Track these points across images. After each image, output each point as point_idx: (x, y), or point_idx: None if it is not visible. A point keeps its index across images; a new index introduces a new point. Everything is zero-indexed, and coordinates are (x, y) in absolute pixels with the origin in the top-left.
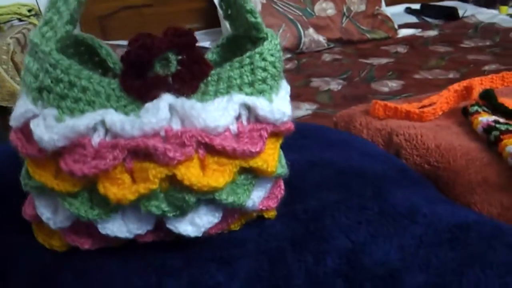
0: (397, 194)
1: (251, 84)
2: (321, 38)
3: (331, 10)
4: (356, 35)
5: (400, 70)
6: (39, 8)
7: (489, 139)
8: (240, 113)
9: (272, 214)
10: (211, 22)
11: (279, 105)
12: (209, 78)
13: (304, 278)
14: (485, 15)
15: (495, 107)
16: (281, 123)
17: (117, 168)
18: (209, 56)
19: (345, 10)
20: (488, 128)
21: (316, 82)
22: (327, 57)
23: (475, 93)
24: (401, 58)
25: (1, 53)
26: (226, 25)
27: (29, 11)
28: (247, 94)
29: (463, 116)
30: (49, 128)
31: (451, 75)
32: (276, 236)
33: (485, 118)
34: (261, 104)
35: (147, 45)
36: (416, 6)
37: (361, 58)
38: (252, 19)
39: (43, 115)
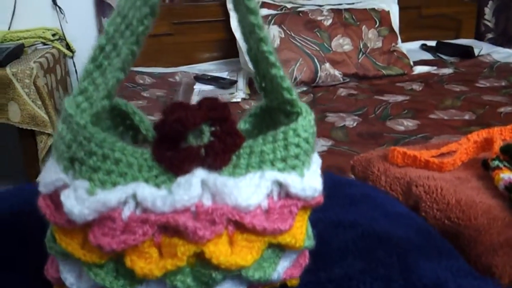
0: (424, 266)
1: (283, 159)
2: (337, 73)
3: (347, 46)
4: (372, 71)
5: (416, 109)
6: (63, 32)
7: (511, 198)
8: (272, 189)
9: (295, 282)
10: (229, 52)
11: (310, 181)
12: (241, 151)
13: None
14: (500, 54)
15: None
16: (311, 198)
17: (145, 243)
18: (241, 125)
19: (361, 46)
20: (510, 187)
21: (331, 117)
22: (342, 92)
23: (496, 146)
24: (416, 96)
25: (24, 76)
26: (244, 56)
27: (53, 35)
28: (279, 169)
29: (484, 169)
30: (80, 201)
31: (466, 116)
32: None
33: (507, 175)
34: (293, 181)
35: (182, 119)
36: (432, 43)
37: (377, 95)
38: (288, 96)
39: (74, 187)
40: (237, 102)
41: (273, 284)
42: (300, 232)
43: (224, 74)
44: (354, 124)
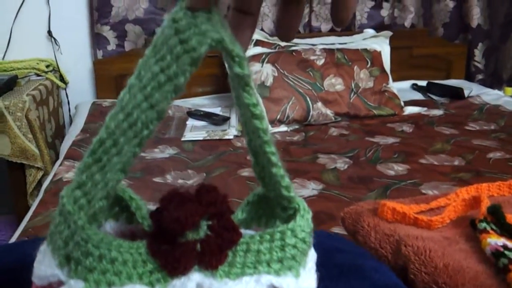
0: None
1: (280, 260)
2: (328, 112)
3: (339, 86)
4: (363, 111)
5: (406, 152)
6: (57, 63)
7: (498, 265)
8: None
9: None
10: (223, 87)
11: (305, 283)
12: (238, 247)
13: None
14: (490, 96)
15: (503, 226)
16: None
17: None
18: (239, 214)
19: (353, 86)
20: (497, 253)
21: (322, 158)
22: (334, 131)
23: (483, 207)
24: (407, 138)
25: (16, 110)
26: None
27: (47, 66)
28: (275, 271)
29: (472, 228)
30: None
31: (456, 162)
32: None
33: (493, 240)
34: (287, 285)
35: (180, 220)
36: (423, 83)
37: (368, 136)
38: (286, 194)
39: (69, 286)
40: (229, 139)
41: None
42: None
43: (217, 110)
44: (345, 167)
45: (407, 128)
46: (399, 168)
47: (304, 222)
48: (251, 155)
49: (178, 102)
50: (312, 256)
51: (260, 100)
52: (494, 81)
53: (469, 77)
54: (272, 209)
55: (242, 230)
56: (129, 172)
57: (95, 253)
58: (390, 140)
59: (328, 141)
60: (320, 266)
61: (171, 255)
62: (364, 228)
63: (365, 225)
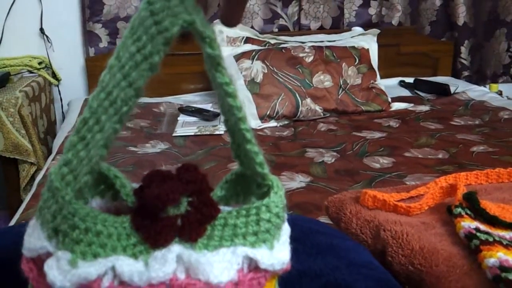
0: None
1: (255, 233)
2: (317, 108)
3: (328, 82)
4: (351, 107)
5: (392, 146)
6: (49, 61)
7: (470, 247)
8: (242, 264)
9: None
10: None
11: (279, 254)
12: (216, 222)
13: None
14: (475, 92)
15: (477, 212)
16: (279, 270)
17: None
18: (218, 191)
19: (341, 82)
20: (469, 235)
21: (311, 152)
22: (322, 127)
23: (459, 193)
24: (393, 133)
25: (9, 105)
26: None
27: (40, 63)
28: (250, 243)
29: (448, 214)
30: (62, 272)
31: (440, 155)
32: None
33: (467, 224)
34: (262, 257)
35: (162, 196)
36: (410, 80)
37: (355, 131)
38: (260, 170)
39: (57, 257)
40: (220, 135)
41: None
42: None
43: (208, 106)
44: (332, 160)
45: (394, 123)
46: (384, 161)
47: (277, 198)
48: (228, 135)
49: (169, 98)
50: (285, 230)
51: (236, 82)
52: (479, 78)
53: (455, 74)
54: (249, 186)
55: (221, 207)
56: (111, 149)
57: (81, 226)
58: (377, 134)
59: (316, 136)
60: (298, 244)
61: (153, 229)
62: (346, 215)
63: (347, 212)
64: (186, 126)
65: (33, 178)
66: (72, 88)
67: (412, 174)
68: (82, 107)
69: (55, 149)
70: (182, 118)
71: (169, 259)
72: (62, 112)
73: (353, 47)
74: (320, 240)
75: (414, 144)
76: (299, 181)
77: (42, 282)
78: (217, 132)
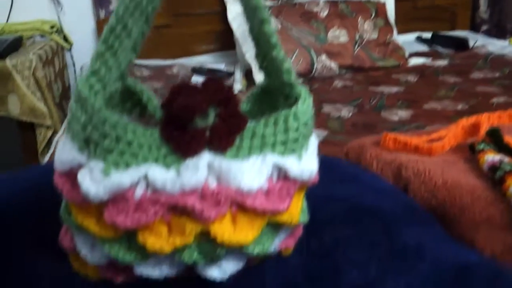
0: (406, 233)
1: (283, 143)
2: (333, 65)
3: (343, 38)
4: (367, 63)
5: (410, 100)
6: (61, 25)
7: (494, 178)
8: (272, 172)
9: (289, 251)
10: (226, 44)
11: (307, 164)
12: (244, 133)
13: None
14: (495, 46)
15: (501, 147)
16: (308, 180)
17: (156, 221)
18: (244, 105)
19: (357, 37)
20: (493, 167)
21: (327, 108)
22: (338, 83)
23: (482, 131)
24: (411, 87)
25: (23, 68)
26: (240, 48)
27: (51, 28)
28: (279, 152)
29: (470, 152)
30: (95, 182)
31: (459, 107)
32: (293, 270)
33: (491, 157)
34: (291, 165)
35: (190, 106)
36: (427, 35)
37: (372, 86)
38: (288, 79)
39: (89, 167)
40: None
41: (269, 255)
42: (296, 210)
43: (221, 66)
44: (350, 115)
45: (412, 78)
46: (403, 114)
47: (305, 107)
48: (253, 45)
49: (182, 60)
50: (313, 141)
51: None
52: (498, 32)
53: (474, 28)
54: (275, 100)
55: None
56: (139, 53)
57: (112, 134)
58: (395, 89)
59: (332, 92)
60: (321, 173)
61: (183, 139)
62: (366, 159)
63: (368, 156)
64: None
65: (50, 142)
66: (85, 52)
67: (431, 125)
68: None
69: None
70: (195, 78)
71: (201, 167)
72: (76, 77)
73: (369, 1)
74: (343, 171)
75: (433, 96)
76: (316, 135)
77: (75, 195)
78: None
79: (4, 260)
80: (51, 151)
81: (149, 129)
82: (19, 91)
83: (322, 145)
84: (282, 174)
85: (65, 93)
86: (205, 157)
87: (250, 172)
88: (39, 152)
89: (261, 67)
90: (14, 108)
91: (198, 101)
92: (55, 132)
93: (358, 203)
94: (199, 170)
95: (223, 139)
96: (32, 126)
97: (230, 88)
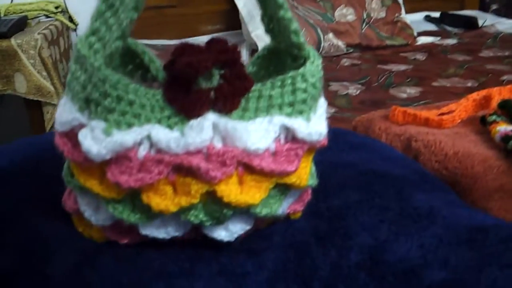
0: (418, 197)
1: (291, 104)
2: (340, 43)
3: (351, 16)
4: (375, 41)
5: (419, 77)
6: (65, 5)
7: (507, 148)
8: (279, 133)
9: (298, 215)
10: (232, 24)
11: (316, 126)
12: (250, 94)
13: (329, 270)
14: (505, 25)
15: None
16: (317, 142)
17: (160, 181)
18: (249, 68)
19: (365, 16)
20: (506, 137)
21: (334, 86)
22: (346, 62)
23: (494, 103)
24: (419, 65)
25: (28, 48)
26: (246, 27)
27: (56, 8)
28: (287, 114)
29: (481, 125)
30: (97, 141)
31: (469, 84)
32: (302, 231)
33: (503, 127)
34: (299, 126)
35: (193, 64)
36: (436, 14)
37: (380, 64)
38: (296, 39)
39: (90, 127)
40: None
41: (278, 218)
42: (305, 173)
43: None
44: (357, 92)
45: (420, 56)
46: (411, 91)
47: (314, 67)
48: (260, 7)
49: (188, 40)
50: (322, 103)
51: None
52: (508, 11)
53: (483, 7)
54: (282, 62)
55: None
56: (141, 11)
57: (113, 94)
58: (403, 67)
59: (340, 70)
60: (329, 141)
61: (187, 100)
62: (375, 132)
63: (376, 129)
64: None
65: None
66: None
67: (440, 101)
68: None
69: None
70: None
71: (205, 127)
72: None
73: None
74: (352, 139)
75: (441, 74)
76: None
77: (77, 155)
78: None
79: (9, 221)
80: None
81: (151, 90)
82: (25, 70)
83: (329, 121)
84: (290, 136)
85: None
86: (210, 118)
87: (257, 132)
88: (46, 130)
89: (268, 29)
90: (20, 86)
91: (201, 60)
92: None
93: (368, 169)
94: (204, 130)
95: (228, 100)
96: (39, 105)
97: (235, 48)
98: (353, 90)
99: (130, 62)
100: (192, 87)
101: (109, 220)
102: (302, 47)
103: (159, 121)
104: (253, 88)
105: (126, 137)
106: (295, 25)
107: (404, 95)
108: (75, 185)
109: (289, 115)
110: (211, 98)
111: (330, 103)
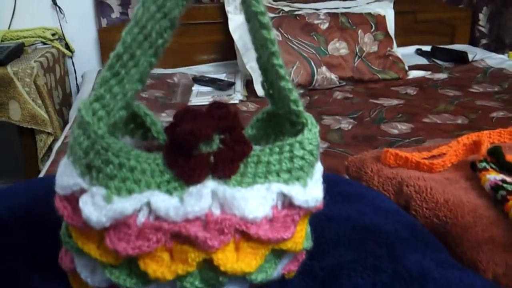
0: (410, 257)
1: (289, 171)
2: (333, 76)
3: (344, 50)
4: (367, 75)
5: (410, 113)
6: (62, 32)
7: (496, 198)
8: (277, 200)
9: (292, 274)
10: (227, 54)
11: (312, 191)
12: (249, 159)
13: None
14: (494, 60)
15: (502, 165)
16: (313, 207)
17: (158, 248)
18: (249, 130)
19: (357, 50)
20: (496, 187)
21: (327, 120)
22: (338, 95)
23: (484, 149)
24: (410, 100)
25: (24, 76)
26: (241, 58)
27: (53, 35)
28: (284, 180)
29: (472, 170)
30: (97, 208)
31: (459, 121)
32: None
33: (492, 176)
34: (296, 194)
35: (195, 132)
36: (427, 48)
37: (372, 98)
38: (295, 108)
39: (91, 193)
40: (235, 104)
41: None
42: (300, 236)
43: (222, 76)
44: (350, 127)
45: (411, 91)
46: (402, 127)
47: (311, 135)
48: (260, 73)
49: (183, 69)
50: (319, 168)
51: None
52: (498, 46)
53: (473, 42)
54: (280, 126)
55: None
56: (145, 83)
57: (115, 161)
58: (394, 101)
59: (332, 104)
60: (324, 192)
61: (187, 165)
62: (367, 173)
63: (369, 171)
64: (201, 96)
65: (50, 148)
66: (86, 59)
67: (431, 139)
68: (97, 78)
69: (71, 119)
70: (196, 88)
71: (204, 194)
72: (77, 84)
73: (369, 14)
74: (345, 189)
75: (432, 110)
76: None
77: (77, 219)
78: (232, 101)
79: (7, 280)
80: (51, 158)
81: (152, 154)
82: (20, 98)
83: (322, 157)
84: (287, 202)
85: (66, 100)
86: (209, 185)
87: (255, 200)
88: (39, 158)
89: (267, 94)
90: (14, 114)
91: (202, 127)
92: (55, 139)
93: (361, 223)
94: (203, 197)
95: (228, 165)
96: (32, 133)
97: (236, 113)
98: (346, 124)
99: (132, 121)
100: (192, 151)
101: (105, 283)
102: (301, 115)
103: (158, 186)
104: (252, 153)
105: (126, 204)
106: (295, 95)
107: (396, 131)
108: (72, 246)
109: (286, 181)
110: (211, 163)
111: (323, 138)
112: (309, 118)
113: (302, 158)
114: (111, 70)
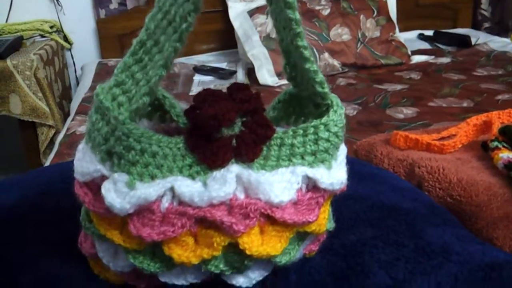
0: (431, 232)
1: (313, 153)
2: (335, 63)
3: (346, 36)
4: (370, 60)
5: (415, 97)
6: (60, 25)
7: (510, 175)
8: (301, 183)
9: (312, 254)
10: (227, 43)
11: (337, 174)
12: (272, 142)
13: None
14: (497, 43)
15: None
16: (338, 190)
17: (182, 233)
18: (270, 112)
19: (360, 35)
20: (509, 165)
21: None
22: (341, 81)
23: (495, 128)
24: (415, 84)
25: (24, 69)
26: (243, 47)
27: (51, 27)
28: (308, 163)
29: (483, 150)
30: (120, 194)
31: (465, 104)
32: (318, 270)
33: (505, 154)
34: (321, 176)
35: (218, 117)
36: (429, 32)
37: (376, 84)
38: (321, 90)
39: (113, 179)
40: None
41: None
42: (324, 218)
43: (223, 65)
44: (354, 113)
45: (415, 75)
46: (408, 112)
47: (337, 117)
48: (283, 56)
49: (182, 59)
50: (343, 150)
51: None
52: (500, 29)
53: (476, 26)
54: (302, 107)
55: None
56: (171, 69)
57: (136, 147)
58: (398, 86)
59: (336, 90)
60: None
61: (209, 149)
62: (377, 156)
63: (378, 154)
64: (202, 85)
65: (51, 141)
66: (85, 51)
67: (437, 122)
68: (96, 70)
69: (73, 111)
70: (197, 77)
71: (229, 179)
72: (76, 77)
73: None
74: (361, 169)
75: (437, 94)
76: None
77: (98, 206)
78: None
79: (18, 261)
80: (54, 150)
81: (173, 139)
82: (21, 91)
83: None
84: (311, 185)
85: (65, 92)
86: (233, 169)
87: (280, 184)
88: (41, 151)
89: (290, 77)
90: (15, 107)
91: (226, 110)
92: (57, 132)
93: (379, 202)
94: (227, 182)
95: (251, 149)
96: (33, 126)
97: (258, 96)
98: (350, 110)
99: (149, 104)
100: (213, 135)
101: (128, 267)
102: (326, 96)
103: (180, 171)
104: (275, 135)
105: (149, 190)
106: (320, 77)
107: (401, 116)
108: (93, 231)
109: (311, 164)
110: (233, 146)
111: None
112: (334, 99)
113: (327, 140)
114: (133, 56)
